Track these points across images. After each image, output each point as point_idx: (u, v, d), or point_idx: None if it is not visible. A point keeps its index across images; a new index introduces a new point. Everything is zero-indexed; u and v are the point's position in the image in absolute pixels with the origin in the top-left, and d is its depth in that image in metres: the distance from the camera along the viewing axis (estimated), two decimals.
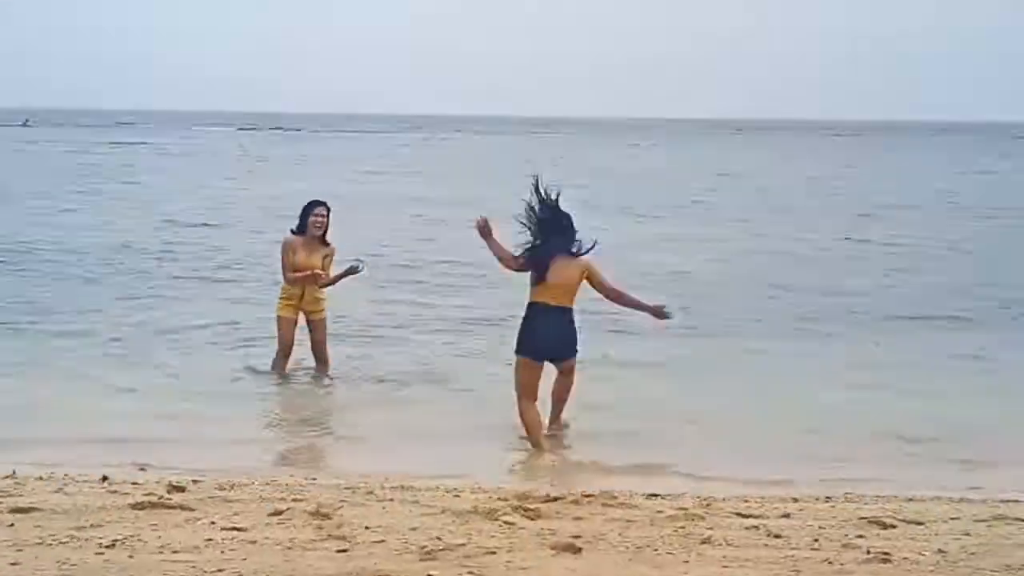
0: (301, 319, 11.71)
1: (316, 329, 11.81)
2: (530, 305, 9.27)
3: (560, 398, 9.74)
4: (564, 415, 9.81)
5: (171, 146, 75.66)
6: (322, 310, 11.75)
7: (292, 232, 11.59)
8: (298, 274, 11.42)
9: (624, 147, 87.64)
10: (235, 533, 6.23)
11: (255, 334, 13.38)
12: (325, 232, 11.58)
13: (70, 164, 50.65)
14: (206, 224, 26.56)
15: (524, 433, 9.41)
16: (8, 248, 21.08)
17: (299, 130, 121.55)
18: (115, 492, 7.29)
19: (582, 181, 36.05)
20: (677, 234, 26.40)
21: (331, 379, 11.84)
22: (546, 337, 9.26)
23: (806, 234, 26.46)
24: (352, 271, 11.53)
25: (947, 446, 9.72)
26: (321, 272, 11.51)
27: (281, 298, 11.67)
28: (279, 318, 11.69)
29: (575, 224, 9.32)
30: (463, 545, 6.05)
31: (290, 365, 11.91)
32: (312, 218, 11.49)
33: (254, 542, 6.07)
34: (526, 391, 9.36)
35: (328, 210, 11.61)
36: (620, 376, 12.07)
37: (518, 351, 9.35)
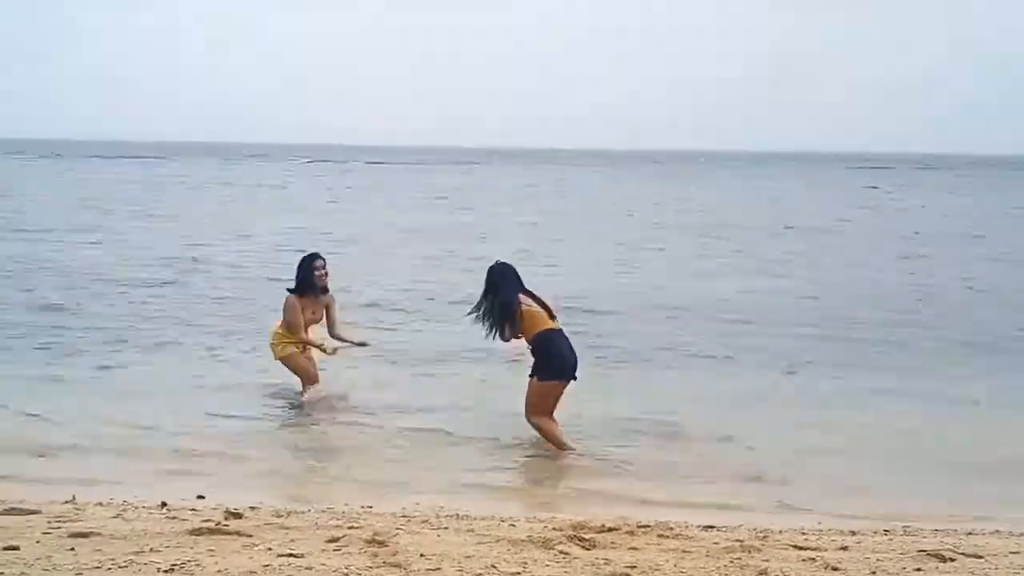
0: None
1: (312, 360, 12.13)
2: (552, 331, 10.02)
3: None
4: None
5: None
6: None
7: (290, 291, 11.86)
8: (311, 339, 11.90)
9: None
10: (291, 559, 6.26)
11: None
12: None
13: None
14: None
15: (548, 446, 10.11)
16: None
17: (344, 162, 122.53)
18: (174, 518, 7.36)
19: None
20: None
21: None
22: (571, 356, 10.00)
23: None
24: (362, 344, 12.19)
25: (1008, 480, 9.59)
26: (325, 345, 11.89)
27: (281, 340, 11.90)
28: (287, 358, 11.96)
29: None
30: (518, 574, 6.05)
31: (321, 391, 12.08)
32: (316, 273, 11.77)
33: (310, 568, 6.09)
34: (544, 411, 10.10)
35: (325, 262, 11.97)
36: (686, 406, 12.07)
37: (552, 377, 9.94)
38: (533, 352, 10.06)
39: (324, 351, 11.85)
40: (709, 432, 10.93)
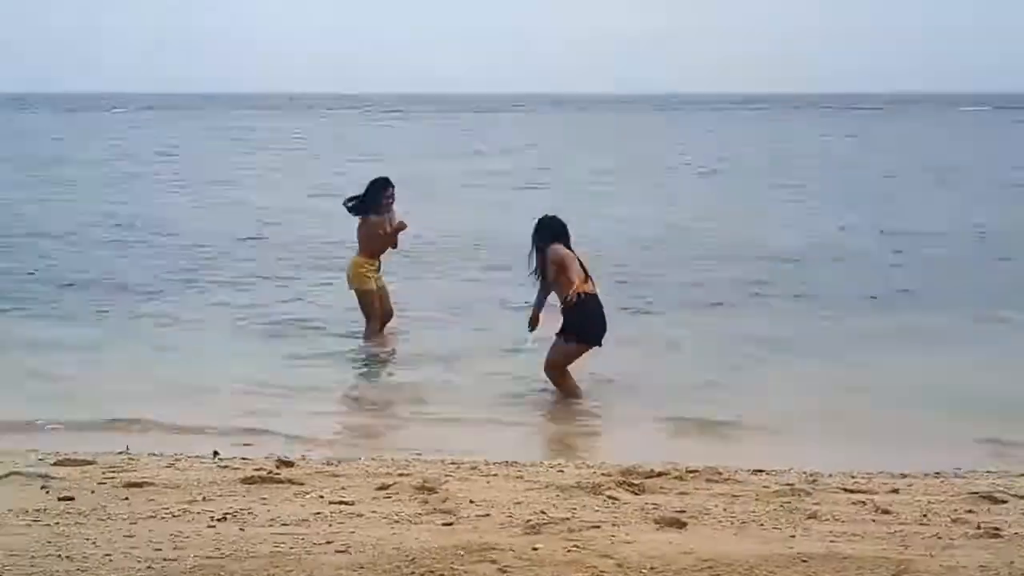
0: None
1: (386, 297, 12.63)
2: (591, 296, 10.04)
3: None
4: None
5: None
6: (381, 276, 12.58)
7: (359, 213, 12.32)
8: (396, 227, 12.28)
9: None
10: (342, 507, 6.30)
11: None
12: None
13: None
14: None
15: (571, 396, 10.30)
16: None
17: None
18: (225, 467, 7.44)
19: None
20: None
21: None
22: (604, 324, 10.18)
23: None
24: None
25: None
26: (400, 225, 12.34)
27: (360, 272, 12.32)
28: (366, 291, 12.37)
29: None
30: (567, 519, 6.05)
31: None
32: (386, 201, 12.27)
33: (361, 515, 6.14)
34: (564, 367, 10.25)
35: (394, 189, 12.39)
36: (727, 351, 12.08)
37: (583, 341, 10.09)
38: (567, 311, 10.05)
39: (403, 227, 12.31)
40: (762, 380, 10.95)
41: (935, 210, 25.49)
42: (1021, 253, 19.06)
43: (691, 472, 7.35)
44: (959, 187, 31.28)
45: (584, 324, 10.02)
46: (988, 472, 7.72)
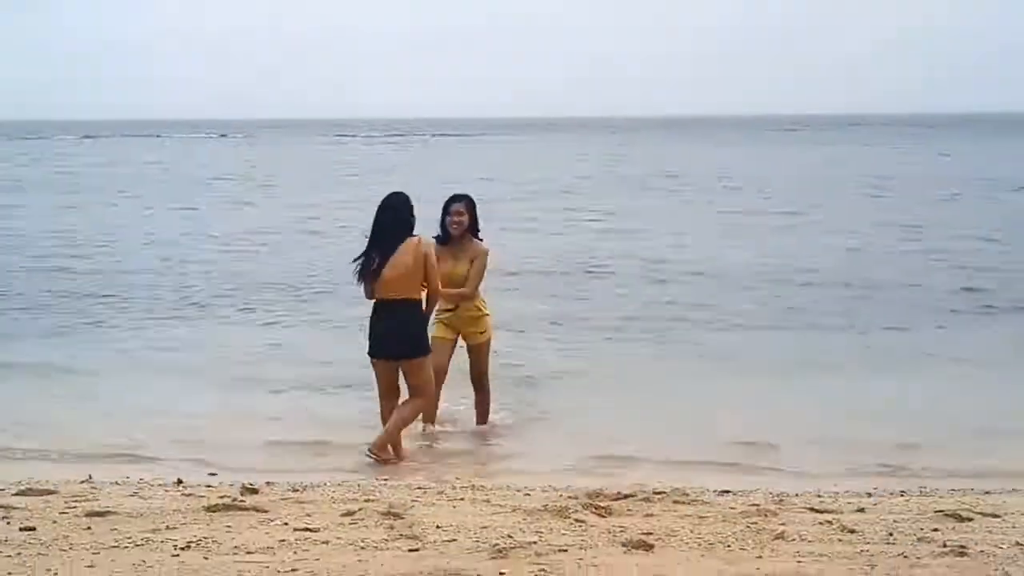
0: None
1: (475, 353, 9.73)
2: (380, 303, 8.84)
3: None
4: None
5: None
6: (483, 331, 9.65)
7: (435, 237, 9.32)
8: (450, 291, 9.23)
9: None
10: (308, 534, 6.26)
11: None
12: (464, 232, 9.37)
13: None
14: None
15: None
16: None
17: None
18: (189, 495, 7.39)
19: None
20: None
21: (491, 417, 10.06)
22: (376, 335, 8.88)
23: None
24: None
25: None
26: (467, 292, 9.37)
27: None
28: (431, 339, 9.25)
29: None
30: (534, 543, 6.04)
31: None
32: (449, 217, 9.37)
33: (327, 542, 6.10)
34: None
35: (471, 204, 9.50)
36: (688, 370, 12.11)
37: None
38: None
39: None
40: (728, 399, 10.96)
41: None
42: None
43: (658, 494, 7.36)
44: None
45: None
46: (953, 490, 7.76)
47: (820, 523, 6.61)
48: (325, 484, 7.81)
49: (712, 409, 10.56)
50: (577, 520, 6.58)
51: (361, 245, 8.80)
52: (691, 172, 50.45)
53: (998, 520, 6.74)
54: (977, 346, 13.55)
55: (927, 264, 20.57)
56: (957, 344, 13.73)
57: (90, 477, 8.03)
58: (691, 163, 59.28)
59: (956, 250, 22.14)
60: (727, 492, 7.60)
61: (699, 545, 6.10)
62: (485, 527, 6.41)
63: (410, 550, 5.96)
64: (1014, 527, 6.57)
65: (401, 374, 8.92)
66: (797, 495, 7.50)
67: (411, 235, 8.69)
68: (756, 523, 6.54)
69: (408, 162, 64.59)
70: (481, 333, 9.60)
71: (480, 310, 9.55)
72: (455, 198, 9.49)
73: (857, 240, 23.99)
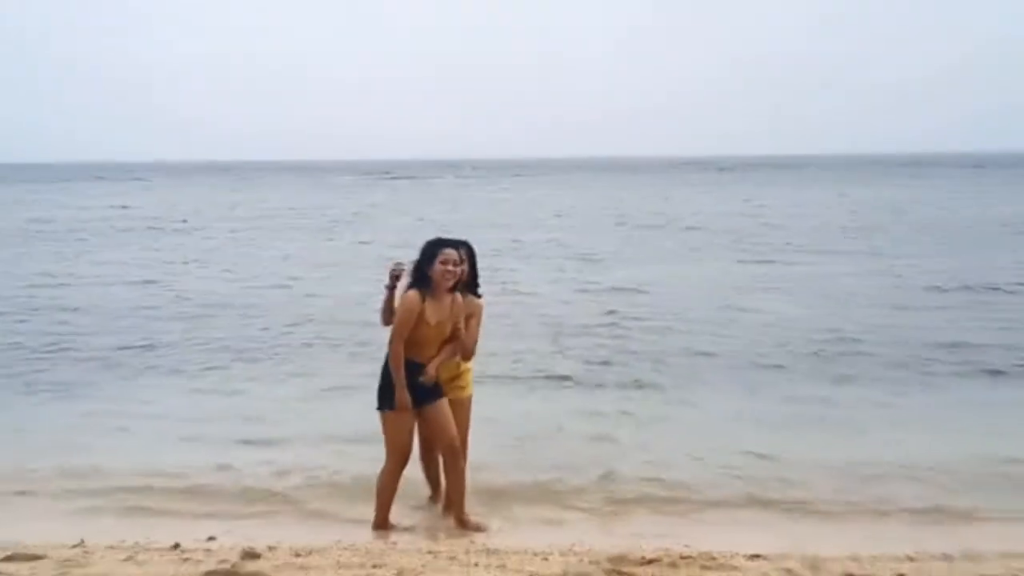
0: None
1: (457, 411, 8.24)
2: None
3: None
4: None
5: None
6: (464, 386, 8.40)
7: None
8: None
9: None
10: None
11: None
12: (457, 285, 7.99)
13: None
14: None
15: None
16: None
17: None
18: (187, 560, 7.02)
19: None
20: None
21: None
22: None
23: None
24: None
25: None
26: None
27: None
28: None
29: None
30: None
31: None
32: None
33: None
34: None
35: (468, 252, 8.16)
36: (707, 425, 11.62)
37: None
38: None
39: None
40: (750, 454, 10.47)
41: None
42: None
43: (684, 558, 6.97)
44: None
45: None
46: (999, 554, 7.31)
47: None
48: (330, 548, 7.37)
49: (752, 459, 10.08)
50: None
51: None
52: None
53: None
54: None
55: None
56: None
57: (82, 541, 7.59)
58: None
59: None
60: (758, 556, 7.16)
61: None
62: None
63: None
64: None
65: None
66: (833, 559, 7.06)
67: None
68: None
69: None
70: (462, 388, 8.35)
71: (460, 363, 8.29)
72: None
73: None
